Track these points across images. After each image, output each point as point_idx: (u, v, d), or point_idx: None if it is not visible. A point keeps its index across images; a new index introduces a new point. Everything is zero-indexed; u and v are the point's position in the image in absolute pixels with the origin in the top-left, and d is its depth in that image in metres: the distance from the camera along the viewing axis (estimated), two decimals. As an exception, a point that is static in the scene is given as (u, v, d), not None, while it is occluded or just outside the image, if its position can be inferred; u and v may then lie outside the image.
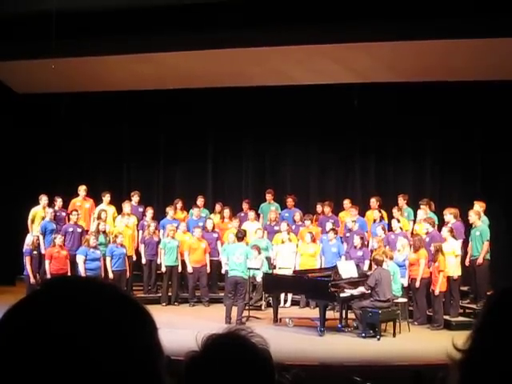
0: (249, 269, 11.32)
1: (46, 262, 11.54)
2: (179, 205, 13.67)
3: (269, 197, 13.94)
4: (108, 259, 11.90)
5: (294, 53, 11.52)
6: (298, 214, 13.27)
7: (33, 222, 12.74)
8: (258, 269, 11.51)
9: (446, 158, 13.71)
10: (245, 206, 13.85)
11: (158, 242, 12.85)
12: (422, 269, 10.89)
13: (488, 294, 10.85)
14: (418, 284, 10.89)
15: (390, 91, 13.00)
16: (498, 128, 12.83)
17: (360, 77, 12.61)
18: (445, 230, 11.15)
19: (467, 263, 11.42)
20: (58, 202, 13.08)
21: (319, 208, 13.44)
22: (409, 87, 12.72)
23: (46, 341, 0.82)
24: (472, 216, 11.40)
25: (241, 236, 11.52)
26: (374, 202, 12.95)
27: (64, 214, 13.12)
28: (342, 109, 13.74)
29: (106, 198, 13.28)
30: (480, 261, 11.23)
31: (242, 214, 13.65)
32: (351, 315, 10.71)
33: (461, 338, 0.99)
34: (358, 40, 10.74)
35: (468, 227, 11.64)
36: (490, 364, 0.90)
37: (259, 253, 11.71)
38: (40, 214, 12.80)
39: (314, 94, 13.43)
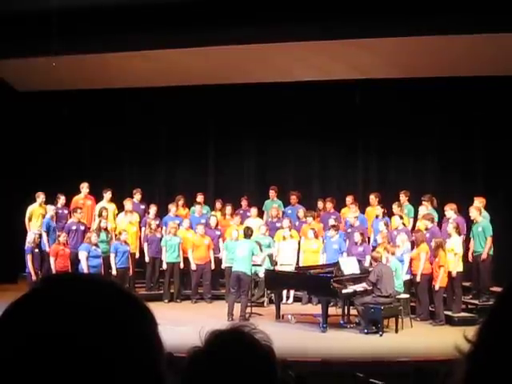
0: (253, 265, 11.31)
1: (51, 260, 11.56)
2: (181, 202, 13.66)
3: (272, 193, 13.91)
4: (112, 256, 11.92)
5: (295, 49, 11.51)
6: (301, 211, 13.26)
7: (30, 219, 12.74)
8: (259, 265, 11.51)
9: (447, 154, 13.68)
10: (244, 202, 13.84)
11: (161, 239, 12.86)
12: (423, 263, 10.90)
13: (491, 289, 10.89)
14: (418, 279, 10.90)
15: (392, 87, 12.98)
16: (499, 124, 12.80)
17: (361, 73, 12.59)
18: (450, 227, 11.13)
19: (470, 259, 11.43)
20: (61, 199, 13.05)
21: (320, 204, 13.42)
22: (410, 83, 12.70)
23: (46, 340, 0.81)
24: (473, 212, 11.42)
25: (249, 233, 11.51)
26: (373, 198, 12.95)
27: (66, 211, 13.11)
28: (344, 105, 13.73)
29: (107, 195, 13.24)
30: (484, 256, 11.25)
31: (242, 211, 13.64)
32: (353, 311, 10.72)
33: (466, 332, 0.99)
34: (359, 36, 10.71)
35: (469, 223, 11.65)
36: (498, 356, 0.89)
37: (260, 249, 11.73)
38: (37, 211, 12.78)
39: (316, 91, 13.41)
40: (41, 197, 12.80)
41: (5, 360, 0.81)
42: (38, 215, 12.72)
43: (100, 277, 0.99)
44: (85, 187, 13.31)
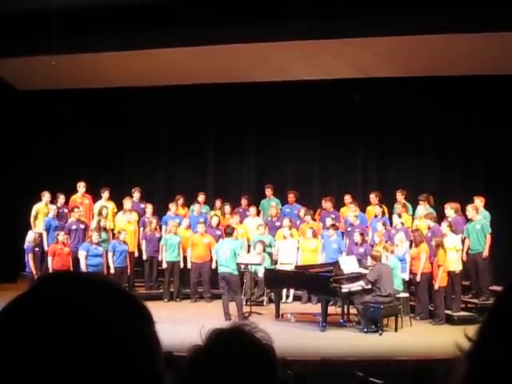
0: (238, 264, 11.27)
1: (49, 259, 11.57)
2: (180, 201, 13.66)
3: (268, 192, 13.90)
4: (110, 255, 11.91)
5: (295, 48, 11.50)
6: (302, 210, 13.23)
7: (36, 218, 12.74)
8: (259, 264, 11.51)
9: (447, 152, 13.70)
10: (244, 201, 13.81)
11: (160, 239, 12.85)
12: (423, 263, 10.90)
13: (490, 288, 10.87)
14: (418, 278, 10.90)
15: (392, 86, 12.97)
16: (500, 123, 12.79)
17: (361, 72, 12.59)
18: (444, 225, 11.15)
19: (464, 258, 11.41)
20: (61, 198, 13.05)
21: (324, 203, 13.39)
22: (410, 82, 12.70)
23: (42, 338, 0.81)
24: (470, 211, 11.40)
25: (229, 232, 11.47)
26: (373, 197, 12.94)
27: (66, 210, 13.11)
28: (344, 104, 13.73)
29: (105, 194, 13.22)
30: (486, 254, 11.24)
31: (241, 210, 13.63)
32: (353, 310, 10.71)
33: (466, 331, 0.99)
34: (359, 35, 10.71)
35: (466, 222, 11.64)
36: (499, 354, 0.89)
37: (264, 249, 11.71)
38: (43, 210, 12.80)
39: (316, 90, 13.41)
40: (46, 195, 12.82)
41: (2, 359, 0.81)
42: (42, 214, 12.73)
43: (97, 276, 0.99)
44: (81, 186, 13.30)
